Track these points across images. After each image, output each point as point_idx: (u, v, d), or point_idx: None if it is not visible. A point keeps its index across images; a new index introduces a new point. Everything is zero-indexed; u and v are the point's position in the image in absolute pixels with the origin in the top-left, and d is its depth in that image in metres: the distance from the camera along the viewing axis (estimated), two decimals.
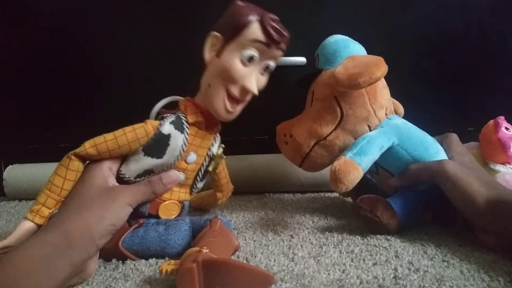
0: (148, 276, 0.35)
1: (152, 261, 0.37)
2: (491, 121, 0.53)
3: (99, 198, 0.35)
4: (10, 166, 0.69)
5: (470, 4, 0.64)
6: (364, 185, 0.53)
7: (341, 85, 0.42)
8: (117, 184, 0.38)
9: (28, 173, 0.67)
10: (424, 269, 0.34)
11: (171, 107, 0.43)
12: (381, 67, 0.41)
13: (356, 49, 0.48)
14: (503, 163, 0.52)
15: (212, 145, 0.43)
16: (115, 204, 0.35)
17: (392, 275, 0.33)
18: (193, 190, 0.44)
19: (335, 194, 0.63)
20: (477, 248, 0.37)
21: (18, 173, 0.67)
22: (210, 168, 0.44)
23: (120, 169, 0.39)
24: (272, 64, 0.41)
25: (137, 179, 0.39)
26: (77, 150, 0.36)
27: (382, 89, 0.47)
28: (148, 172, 0.39)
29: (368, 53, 0.49)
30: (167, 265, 0.32)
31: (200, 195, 0.54)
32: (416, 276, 0.32)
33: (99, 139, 0.37)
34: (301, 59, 0.64)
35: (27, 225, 0.35)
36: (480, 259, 0.35)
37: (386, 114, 0.47)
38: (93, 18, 0.66)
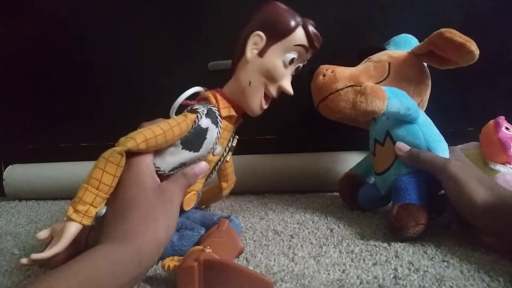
0: (148, 276, 0.35)
1: None
2: (492, 121, 0.53)
3: (159, 203, 0.33)
4: (10, 166, 0.69)
5: (470, 4, 0.64)
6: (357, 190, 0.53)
7: (451, 35, 0.43)
8: (159, 179, 0.36)
9: (28, 173, 0.67)
10: (424, 269, 0.34)
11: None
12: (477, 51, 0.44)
13: None
14: (503, 163, 0.52)
15: (232, 136, 0.45)
16: (173, 207, 0.35)
17: (392, 275, 0.33)
18: (208, 179, 0.45)
19: (335, 194, 0.62)
20: (477, 248, 0.37)
21: (18, 173, 0.67)
22: (228, 159, 0.46)
23: (154, 162, 0.38)
24: (301, 66, 0.44)
25: (171, 172, 0.39)
26: (130, 146, 0.34)
27: (426, 85, 0.51)
28: (182, 165, 0.40)
29: None
30: (170, 260, 0.32)
31: (203, 190, 0.54)
32: (416, 276, 0.32)
33: (149, 133, 0.35)
34: None
35: (75, 228, 0.32)
36: (480, 259, 0.35)
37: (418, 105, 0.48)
38: (93, 18, 0.66)
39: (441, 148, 0.44)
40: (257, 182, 0.65)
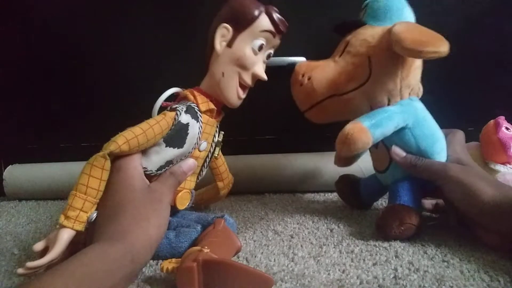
0: (148, 276, 0.35)
1: (152, 261, 0.37)
2: (492, 121, 0.53)
3: (148, 203, 0.34)
4: (10, 166, 0.69)
5: (470, 4, 0.64)
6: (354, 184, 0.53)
7: (402, 45, 0.38)
8: (147, 180, 0.37)
9: (28, 173, 0.67)
10: (424, 269, 0.34)
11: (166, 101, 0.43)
12: (446, 44, 0.38)
13: (408, 16, 0.46)
14: (503, 163, 0.52)
15: (216, 131, 0.45)
16: (163, 206, 0.35)
17: (392, 275, 0.33)
18: (199, 177, 0.45)
19: (335, 194, 0.62)
20: (477, 248, 0.37)
21: (18, 173, 0.67)
22: (216, 154, 0.46)
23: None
24: (272, 52, 0.44)
25: (159, 171, 0.39)
26: (112, 149, 0.34)
27: (416, 69, 0.44)
28: (169, 163, 0.40)
29: None
30: (168, 263, 0.32)
31: (201, 191, 0.54)
32: (416, 276, 0.32)
33: (129, 134, 0.35)
34: (301, 59, 0.64)
35: (67, 234, 0.32)
36: (480, 259, 0.35)
37: (409, 94, 0.45)
38: (92, 17, 0.66)
39: (435, 151, 0.43)
40: (257, 182, 0.65)
